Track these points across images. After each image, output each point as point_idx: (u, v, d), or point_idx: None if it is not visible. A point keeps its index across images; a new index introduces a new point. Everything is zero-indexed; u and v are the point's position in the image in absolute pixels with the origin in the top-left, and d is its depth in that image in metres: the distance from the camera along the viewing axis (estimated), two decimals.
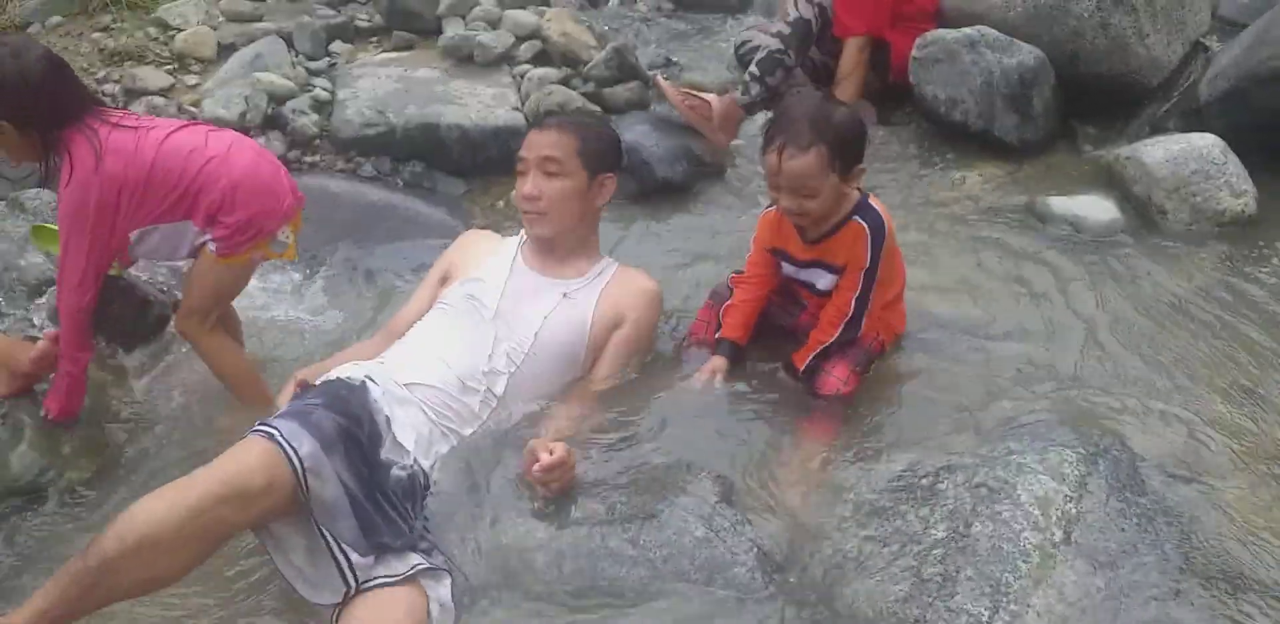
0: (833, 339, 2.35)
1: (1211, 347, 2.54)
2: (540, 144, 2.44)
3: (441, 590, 1.94)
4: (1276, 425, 2.23)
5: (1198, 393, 2.36)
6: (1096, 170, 3.40)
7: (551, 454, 2.02)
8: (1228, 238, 3.03)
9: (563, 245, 2.50)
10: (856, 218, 2.30)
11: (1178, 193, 3.10)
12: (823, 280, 2.38)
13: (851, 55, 3.67)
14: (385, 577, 1.91)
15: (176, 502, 1.79)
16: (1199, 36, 3.72)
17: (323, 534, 1.90)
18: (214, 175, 2.37)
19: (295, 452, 1.87)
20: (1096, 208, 3.16)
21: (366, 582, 1.90)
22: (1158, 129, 3.55)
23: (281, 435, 1.89)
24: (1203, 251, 2.97)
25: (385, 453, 2.07)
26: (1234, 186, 3.08)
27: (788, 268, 2.47)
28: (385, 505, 1.99)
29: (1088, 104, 3.65)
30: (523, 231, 2.56)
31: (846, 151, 2.21)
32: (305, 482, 1.88)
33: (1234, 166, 3.11)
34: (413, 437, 2.13)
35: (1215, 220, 3.07)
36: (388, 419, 2.11)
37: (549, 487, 2.06)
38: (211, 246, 2.45)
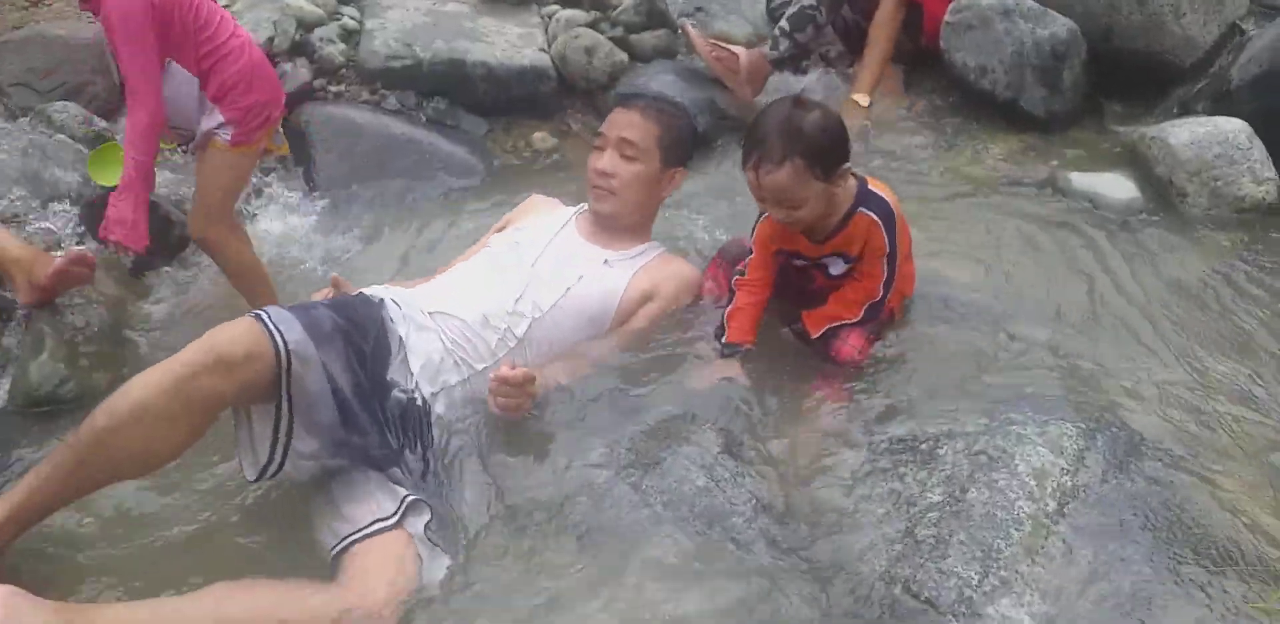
0: (856, 320, 2.35)
1: (1218, 332, 2.56)
2: (623, 124, 2.48)
3: (420, 526, 1.92)
4: (1272, 415, 2.26)
5: (1200, 377, 2.38)
6: (1120, 148, 3.40)
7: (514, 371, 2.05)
8: (1245, 225, 3.04)
9: (619, 224, 2.54)
10: (862, 209, 2.28)
11: (1199, 176, 3.10)
12: (836, 266, 2.37)
13: (886, 17, 3.64)
14: (380, 522, 1.90)
15: (165, 369, 1.81)
16: (1236, 19, 3.68)
17: (280, 407, 1.91)
18: (240, 50, 2.55)
19: (281, 334, 1.88)
20: (1117, 186, 3.16)
21: (359, 532, 1.89)
22: (1186, 110, 3.54)
23: (270, 318, 1.90)
24: (1219, 237, 2.98)
25: (390, 373, 2.08)
26: (1257, 173, 3.08)
27: (799, 261, 2.43)
28: (379, 416, 2.01)
29: (1117, 81, 3.63)
30: (584, 204, 2.60)
31: (825, 157, 2.16)
32: (288, 362, 1.88)
33: (1259, 153, 3.11)
34: (421, 361, 2.14)
35: (1235, 206, 3.07)
36: (401, 340, 2.13)
37: (501, 403, 2.09)
38: (225, 136, 2.52)
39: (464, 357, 2.22)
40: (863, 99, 3.57)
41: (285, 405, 1.91)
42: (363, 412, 1.97)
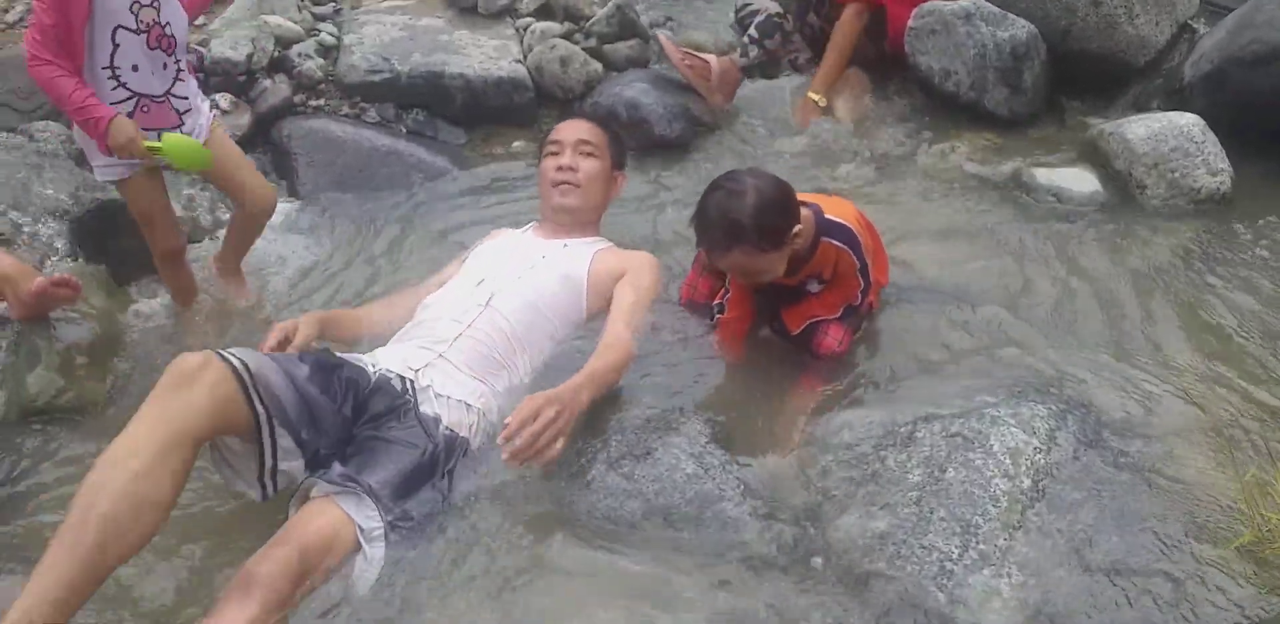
0: (834, 317, 2.43)
1: (1178, 317, 2.67)
2: (577, 129, 2.72)
3: (375, 546, 1.90)
4: (1231, 394, 2.37)
5: (1163, 359, 2.49)
6: (1081, 144, 3.51)
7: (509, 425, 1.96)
8: (1203, 214, 3.15)
9: (577, 220, 2.69)
10: (825, 239, 2.37)
11: (1157, 169, 3.22)
12: (814, 286, 2.46)
13: (847, 21, 3.74)
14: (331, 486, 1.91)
15: (138, 417, 1.83)
16: (1187, 19, 3.82)
17: (256, 412, 1.93)
18: None
19: (234, 355, 1.94)
20: (1079, 180, 3.28)
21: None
22: (1142, 107, 3.67)
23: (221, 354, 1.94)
24: (1178, 226, 3.10)
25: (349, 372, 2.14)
26: (1211, 165, 3.20)
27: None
28: (338, 399, 2.08)
29: (1076, 80, 3.76)
30: (530, 225, 2.75)
31: (768, 236, 2.21)
32: (249, 374, 1.92)
33: (1212, 146, 3.23)
34: (383, 358, 2.24)
35: (1192, 197, 3.19)
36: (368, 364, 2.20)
37: (533, 454, 1.98)
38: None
39: (427, 343, 2.29)
40: (819, 97, 3.67)
41: (261, 408, 1.94)
42: (322, 396, 2.03)
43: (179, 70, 2.52)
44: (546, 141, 2.76)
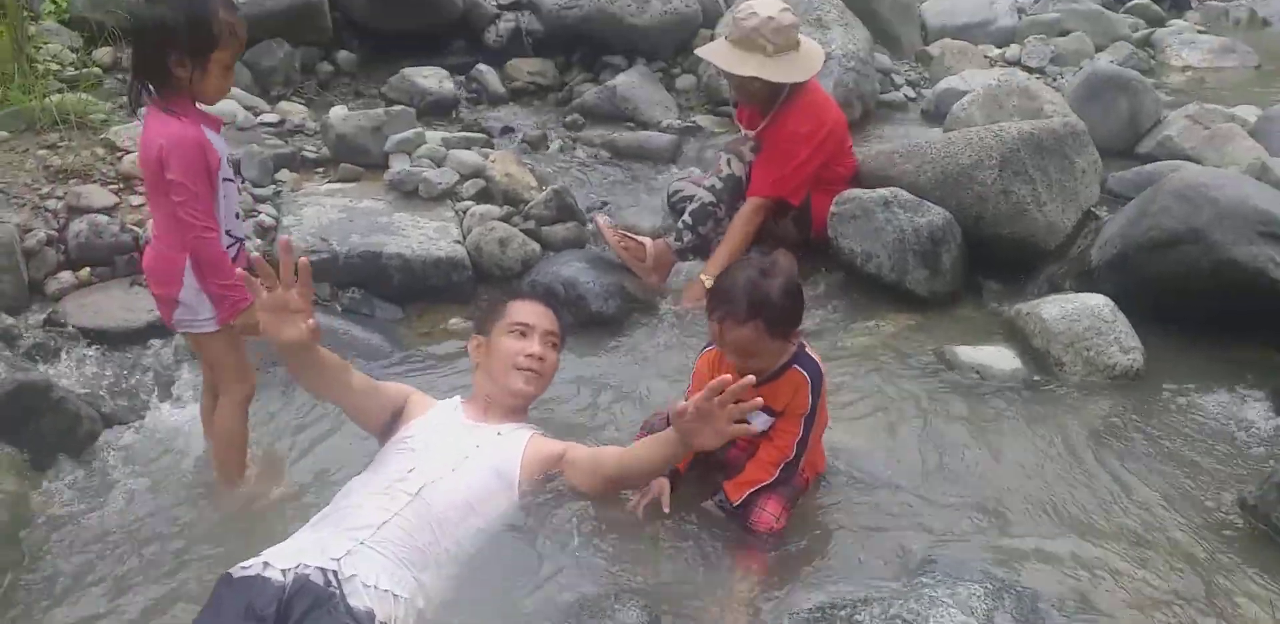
0: (772, 479, 2.45)
1: (1103, 491, 2.72)
2: (548, 319, 2.74)
3: None
4: (1160, 567, 2.40)
5: (1091, 534, 2.53)
6: (1000, 323, 3.67)
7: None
8: (1119, 389, 3.26)
9: (519, 406, 2.68)
10: (796, 367, 2.45)
11: (1073, 347, 3.35)
12: (759, 420, 2.47)
13: (745, 214, 3.90)
14: None
15: None
16: (1090, 206, 4.08)
17: None
18: None
19: None
20: (1000, 357, 3.39)
21: None
22: (1055, 287, 3.85)
23: None
24: (1096, 401, 3.20)
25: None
26: (1123, 343, 3.34)
27: None
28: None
29: (992, 262, 3.95)
30: (456, 397, 2.70)
31: (784, 322, 2.38)
32: None
33: (1122, 325, 3.38)
34: (301, 550, 2.13)
35: (1107, 373, 3.31)
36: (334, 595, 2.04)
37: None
38: None
39: (348, 529, 2.19)
40: (707, 279, 3.78)
41: None
42: None
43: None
44: (508, 320, 2.69)
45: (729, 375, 2.09)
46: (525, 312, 2.72)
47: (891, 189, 3.84)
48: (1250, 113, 5.06)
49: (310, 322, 2.20)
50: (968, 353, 3.40)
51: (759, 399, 2.10)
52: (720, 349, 2.45)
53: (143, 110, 2.52)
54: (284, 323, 2.19)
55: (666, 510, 2.45)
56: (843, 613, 2.13)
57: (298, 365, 2.37)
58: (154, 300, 2.73)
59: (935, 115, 5.40)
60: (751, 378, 2.07)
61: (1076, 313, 3.40)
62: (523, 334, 2.67)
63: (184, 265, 2.51)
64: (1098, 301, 3.44)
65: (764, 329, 2.33)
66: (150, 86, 2.44)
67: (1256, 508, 2.59)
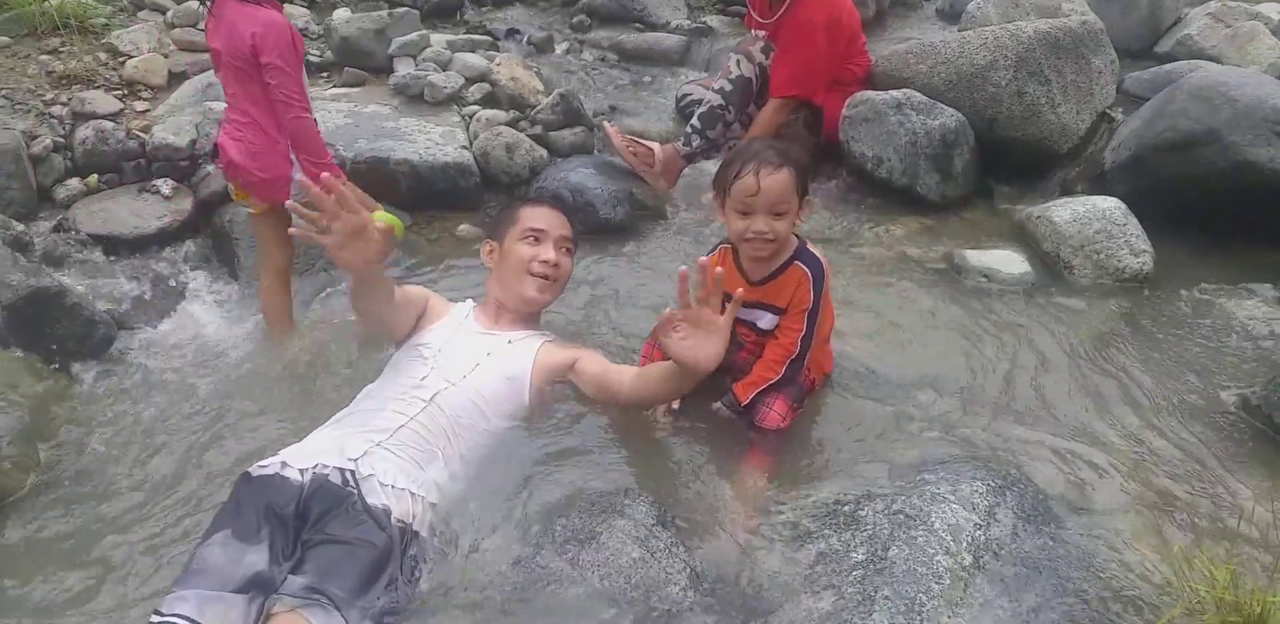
0: (779, 377, 2.47)
1: (1108, 391, 2.74)
2: (562, 225, 2.69)
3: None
4: (1159, 469, 2.44)
5: (1095, 434, 2.56)
6: (1010, 227, 3.64)
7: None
8: (1127, 293, 3.26)
9: (531, 314, 2.67)
10: (798, 262, 2.44)
11: (1083, 250, 3.34)
12: (764, 320, 2.50)
13: (767, 115, 3.87)
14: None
15: None
16: (1105, 108, 4.01)
17: None
18: None
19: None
20: (1009, 261, 3.37)
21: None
22: (1067, 191, 3.82)
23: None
24: (1104, 305, 3.20)
25: (349, 529, 2.03)
26: (1134, 246, 3.33)
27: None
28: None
29: (1004, 165, 3.91)
30: (469, 301, 2.70)
31: (805, 176, 2.38)
32: None
33: (1134, 228, 3.36)
34: (315, 447, 2.18)
35: (1116, 276, 3.31)
36: (352, 495, 2.08)
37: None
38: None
39: (365, 432, 2.23)
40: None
41: None
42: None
43: None
44: (521, 226, 2.64)
45: (704, 258, 2.11)
46: (539, 217, 2.67)
47: (904, 91, 3.78)
48: (1274, 10, 4.91)
49: (376, 226, 2.12)
50: (976, 256, 3.39)
51: (740, 290, 2.06)
52: (743, 222, 2.37)
53: (205, 6, 2.75)
54: (355, 247, 2.12)
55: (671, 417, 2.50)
56: (846, 508, 2.18)
57: (363, 286, 2.32)
58: (255, 189, 2.88)
59: (950, 14, 5.27)
60: (742, 291, 2.06)
61: (1088, 216, 3.38)
62: (536, 240, 2.63)
63: (288, 147, 2.79)
64: (1109, 204, 3.41)
65: (794, 177, 2.33)
66: None
67: (1260, 408, 2.62)
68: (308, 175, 2.69)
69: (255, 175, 2.82)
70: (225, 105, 2.96)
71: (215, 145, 2.93)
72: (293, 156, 2.82)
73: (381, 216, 2.75)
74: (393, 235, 2.55)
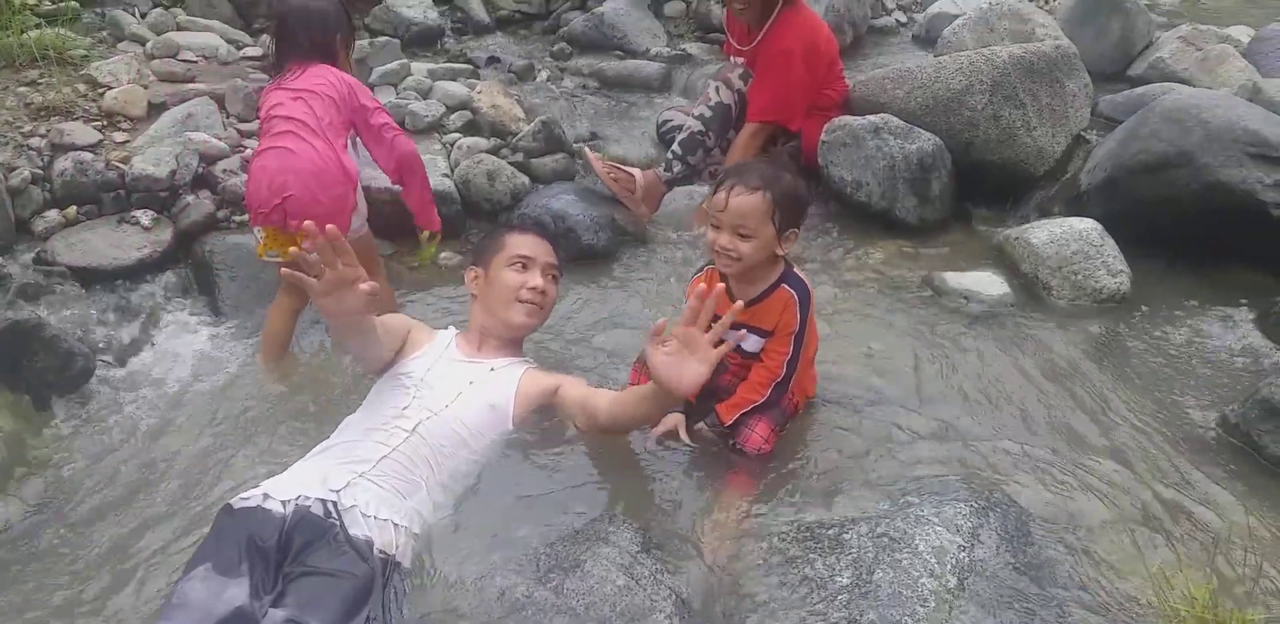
0: (763, 399, 2.47)
1: (1089, 411, 2.76)
2: (547, 252, 2.70)
3: None
4: (1138, 484, 2.46)
5: (1075, 454, 2.57)
6: (988, 249, 3.67)
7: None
8: (1106, 313, 3.29)
9: (514, 340, 2.67)
10: (785, 285, 2.46)
11: (1061, 271, 3.36)
12: (750, 342, 2.50)
13: (743, 139, 3.90)
14: None
15: None
16: (1080, 130, 4.06)
17: None
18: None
19: None
20: (988, 283, 3.40)
21: None
22: (1044, 212, 3.85)
23: None
24: (1083, 325, 3.22)
25: (331, 561, 2.01)
26: (1111, 267, 3.36)
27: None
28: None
29: (981, 188, 3.95)
30: (451, 328, 2.70)
31: (788, 209, 2.36)
32: None
33: (1111, 249, 3.39)
34: (297, 481, 2.16)
35: (1094, 297, 3.33)
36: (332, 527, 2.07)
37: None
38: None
39: (347, 462, 2.23)
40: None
41: None
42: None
43: None
44: (507, 253, 2.65)
45: (703, 284, 2.11)
46: (525, 244, 2.68)
47: (882, 115, 3.82)
48: (1243, 34, 4.99)
49: (366, 286, 2.12)
50: (956, 278, 3.41)
51: (739, 303, 2.07)
52: (713, 235, 2.38)
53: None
54: (339, 296, 2.11)
55: (684, 438, 2.47)
56: (830, 532, 2.18)
57: (348, 331, 2.31)
58: (317, 219, 2.63)
59: (926, 40, 5.34)
60: (740, 303, 2.08)
61: (1065, 237, 3.41)
62: (524, 267, 2.64)
63: (356, 181, 3.01)
64: (1086, 225, 3.44)
65: (769, 204, 2.32)
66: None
67: (1238, 426, 2.64)
68: (412, 201, 3.29)
69: (321, 203, 2.86)
70: (264, 140, 2.99)
71: (248, 186, 3.04)
72: (358, 190, 3.05)
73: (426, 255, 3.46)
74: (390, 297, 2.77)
